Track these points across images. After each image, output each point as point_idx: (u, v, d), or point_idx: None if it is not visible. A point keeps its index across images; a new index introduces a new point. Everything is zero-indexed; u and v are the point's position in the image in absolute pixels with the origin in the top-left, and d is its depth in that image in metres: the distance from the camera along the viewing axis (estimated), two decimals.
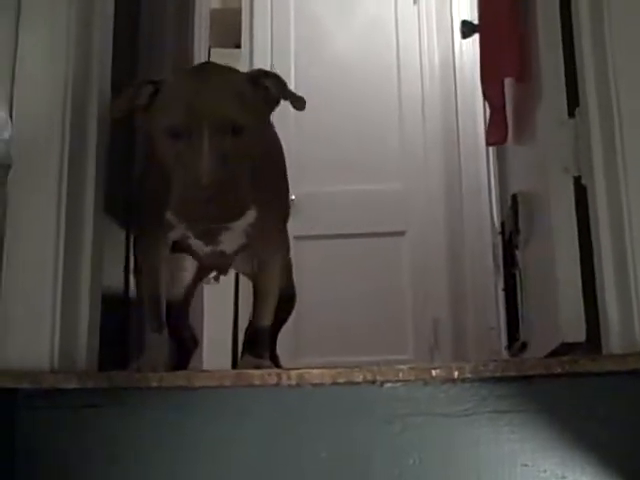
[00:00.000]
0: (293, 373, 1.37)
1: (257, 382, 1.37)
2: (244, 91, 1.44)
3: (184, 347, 1.94)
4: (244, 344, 1.72)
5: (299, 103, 1.48)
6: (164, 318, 1.65)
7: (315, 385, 1.37)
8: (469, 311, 3.71)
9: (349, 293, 3.77)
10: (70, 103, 1.51)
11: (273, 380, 1.36)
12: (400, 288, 3.82)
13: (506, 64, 2.10)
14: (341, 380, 1.36)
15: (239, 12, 4.01)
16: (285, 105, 1.52)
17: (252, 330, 1.70)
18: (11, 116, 1.46)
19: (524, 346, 2.11)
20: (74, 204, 1.51)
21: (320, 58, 4.04)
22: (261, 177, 1.53)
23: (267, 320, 1.70)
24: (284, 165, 1.74)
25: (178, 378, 1.39)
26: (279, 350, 2.14)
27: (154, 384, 1.37)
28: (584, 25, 1.58)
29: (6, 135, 1.39)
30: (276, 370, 1.43)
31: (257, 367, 1.54)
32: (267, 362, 1.64)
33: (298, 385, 1.37)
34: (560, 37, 1.79)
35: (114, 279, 2.06)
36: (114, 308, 2.01)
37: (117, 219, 1.96)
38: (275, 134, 1.71)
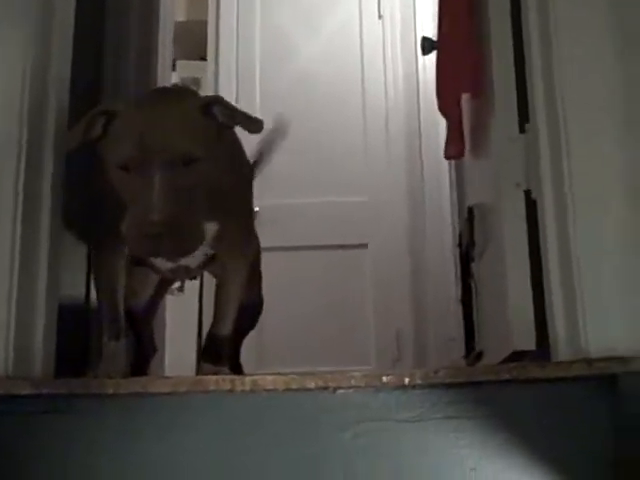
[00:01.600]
0: (247, 379, 1.39)
1: (212, 388, 1.39)
2: (194, 121, 1.43)
3: (143, 355, 1.95)
4: (202, 351, 1.73)
5: (254, 126, 1.48)
6: (122, 326, 1.66)
7: (268, 391, 1.39)
8: (431, 322, 3.75)
9: (312, 304, 3.79)
10: (27, 118, 1.51)
11: (227, 386, 1.38)
12: (363, 300, 3.85)
13: (462, 80, 2.15)
14: (294, 386, 1.39)
15: (205, 24, 4.03)
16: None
17: (211, 338, 1.71)
18: None
19: (480, 355, 2.15)
20: (30, 215, 1.52)
21: (285, 70, 4.07)
22: (221, 191, 1.54)
23: (226, 329, 1.71)
24: (249, 173, 1.76)
25: (134, 384, 1.40)
26: (242, 359, 2.16)
27: (110, 391, 1.38)
28: (534, 43, 1.63)
29: None
30: (230, 376, 1.45)
31: (215, 373, 1.56)
32: (225, 369, 1.66)
33: (252, 391, 1.39)
34: (512, 55, 1.84)
35: (75, 289, 2.07)
36: (74, 316, 2.02)
37: (76, 231, 1.97)
38: (236, 142, 1.70)
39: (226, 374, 1.61)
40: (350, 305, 3.83)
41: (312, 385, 1.39)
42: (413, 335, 3.81)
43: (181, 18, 3.99)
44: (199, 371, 1.69)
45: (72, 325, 1.93)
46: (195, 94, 1.68)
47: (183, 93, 1.64)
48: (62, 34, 1.69)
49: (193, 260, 1.67)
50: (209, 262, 1.74)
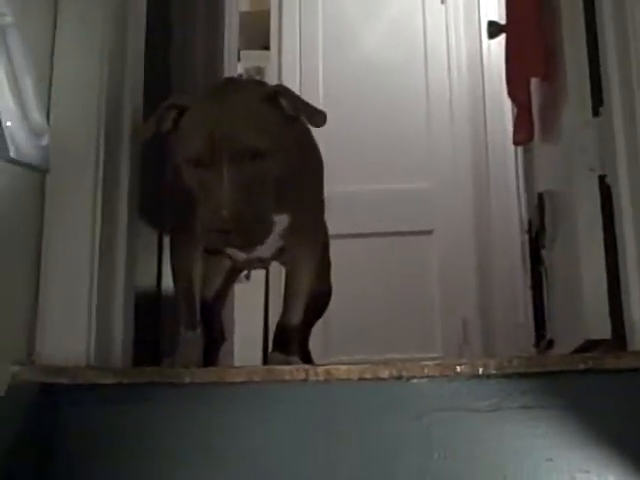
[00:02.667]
0: (321, 369, 1.40)
1: (286, 377, 1.41)
2: (261, 113, 1.45)
3: (213, 343, 1.98)
4: (273, 341, 1.75)
5: (317, 119, 1.49)
6: (198, 317, 1.69)
7: (342, 381, 1.40)
8: (497, 309, 3.71)
9: (378, 291, 3.79)
10: (105, 109, 1.56)
11: (301, 376, 1.40)
12: (429, 286, 3.84)
13: (532, 64, 2.11)
14: (368, 376, 1.39)
15: (267, 14, 4.05)
16: (312, 102, 1.53)
17: (281, 328, 1.72)
18: (48, 122, 1.51)
19: (551, 343, 2.13)
20: (109, 207, 1.56)
21: (348, 58, 4.06)
22: (292, 182, 1.55)
23: (296, 318, 1.72)
24: (319, 164, 1.75)
25: (210, 374, 1.43)
26: (310, 348, 2.17)
27: (187, 380, 1.41)
28: (607, 25, 1.59)
29: (44, 141, 1.44)
30: (304, 366, 1.46)
31: (285, 363, 1.58)
32: (295, 359, 1.67)
33: (326, 381, 1.40)
34: (584, 37, 1.80)
35: (147, 278, 2.12)
36: (147, 306, 2.07)
37: (150, 220, 2.02)
38: (305, 131, 1.70)
39: (295, 363, 1.62)
40: (416, 292, 3.82)
41: (386, 374, 1.39)
42: (479, 321, 3.78)
43: (244, 8, 4.01)
44: (269, 361, 1.71)
45: (145, 315, 1.98)
46: (260, 85, 1.69)
47: (249, 85, 1.66)
48: (136, 27, 1.73)
49: (266, 250, 1.69)
50: (281, 252, 1.75)
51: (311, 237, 1.76)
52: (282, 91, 1.50)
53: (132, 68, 1.67)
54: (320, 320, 2.19)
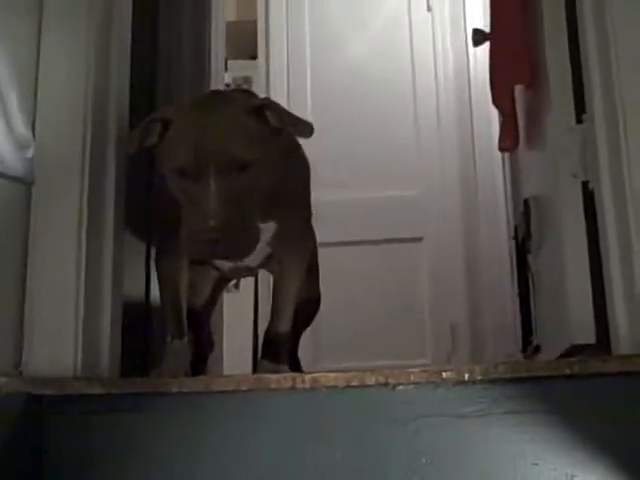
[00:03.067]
0: (307, 377, 1.41)
1: (273, 386, 1.41)
2: (248, 125, 1.45)
3: (201, 352, 1.99)
4: (262, 350, 1.75)
5: (304, 129, 1.50)
6: (185, 325, 1.70)
7: (329, 388, 1.41)
8: (486, 315, 3.73)
9: (367, 299, 3.80)
10: (90, 120, 1.57)
11: (288, 384, 1.40)
12: (418, 293, 3.85)
13: (516, 71, 2.13)
14: (354, 383, 1.40)
15: (254, 24, 4.06)
16: (301, 110, 1.54)
17: (270, 336, 1.73)
18: (34, 135, 1.51)
19: (538, 349, 2.14)
20: (95, 218, 1.57)
21: (336, 67, 4.08)
22: (279, 191, 1.56)
23: (284, 326, 1.73)
24: (306, 173, 1.76)
25: (197, 383, 1.43)
26: (299, 354, 2.18)
27: (174, 389, 1.41)
28: (589, 32, 1.61)
29: (29, 154, 1.45)
30: (291, 374, 1.47)
31: (274, 372, 1.58)
32: (284, 367, 1.67)
33: (313, 388, 1.41)
34: (567, 44, 1.82)
35: (135, 289, 2.12)
36: (135, 317, 2.07)
37: (138, 230, 2.02)
38: (292, 140, 1.70)
39: (284, 371, 1.63)
40: (405, 299, 3.83)
41: (372, 382, 1.40)
42: (468, 327, 3.79)
43: (231, 18, 4.02)
44: (258, 369, 1.71)
45: (134, 324, 1.98)
46: (246, 97, 1.70)
47: (235, 97, 1.65)
48: (121, 38, 1.74)
49: (254, 259, 1.69)
50: (268, 260, 1.76)
51: (298, 244, 1.76)
52: (268, 104, 1.50)
53: (117, 79, 1.68)
54: (310, 327, 2.20)
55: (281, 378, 1.42)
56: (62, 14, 1.61)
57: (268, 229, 1.60)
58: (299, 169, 1.75)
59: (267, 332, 1.74)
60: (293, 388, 1.41)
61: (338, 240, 3.81)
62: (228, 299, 3.01)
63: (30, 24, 1.57)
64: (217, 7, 3.06)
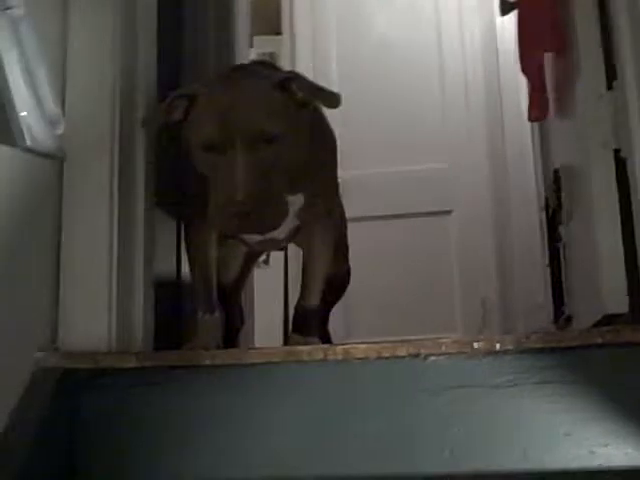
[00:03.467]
0: (339, 348, 1.42)
1: (305, 358, 1.42)
2: (273, 99, 1.45)
3: (233, 327, 2.00)
4: (293, 323, 1.76)
5: (331, 101, 1.50)
6: (215, 300, 1.71)
7: (361, 360, 1.42)
8: (517, 288, 3.70)
9: (397, 273, 3.79)
10: (119, 96, 1.57)
11: (320, 355, 1.41)
12: (448, 267, 3.83)
13: (545, 39, 2.10)
14: (386, 354, 1.41)
15: None
16: (326, 86, 1.53)
17: (300, 310, 1.74)
18: (63, 112, 1.53)
19: (569, 320, 2.12)
20: (126, 193, 1.58)
21: (361, 39, 4.05)
22: (305, 164, 1.55)
23: (315, 300, 1.73)
24: (332, 146, 1.75)
25: (229, 355, 1.45)
26: (329, 328, 2.19)
27: (206, 362, 1.43)
28: None
29: (60, 130, 1.46)
30: (322, 346, 1.48)
31: (304, 344, 1.58)
32: (314, 339, 1.68)
33: (344, 360, 1.42)
34: (596, 10, 1.79)
35: (167, 263, 2.14)
36: (167, 292, 2.09)
37: (169, 205, 2.03)
38: (318, 113, 1.69)
39: (315, 344, 1.63)
40: (435, 272, 3.82)
41: (404, 353, 1.40)
42: (499, 301, 3.77)
43: None
44: (289, 342, 1.72)
45: (165, 300, 2.00)
46: (272, 69, 1.69)
47: (260, 71, 1.65)
48: (147, 15, 1.75)
49: (281, 232, 1.69)
50: (296, 233, 1.76)
51: (327, 217, 1.76)
52: (293, 77, 1.50)
53: (144, 55, 1.69)
54: (341, 302, 2.21)
55: (312, 350, 1.43)
56: None
57: (296, 201, 1.60)
58: (325, 141, 1.75)
59: (297, 306, 1.75)
60: (325, 360, 1.42)
61: (366, 214, 3.80)
62: (259, 274, 3.03)
63: (58, 3, 1.58)
64: None
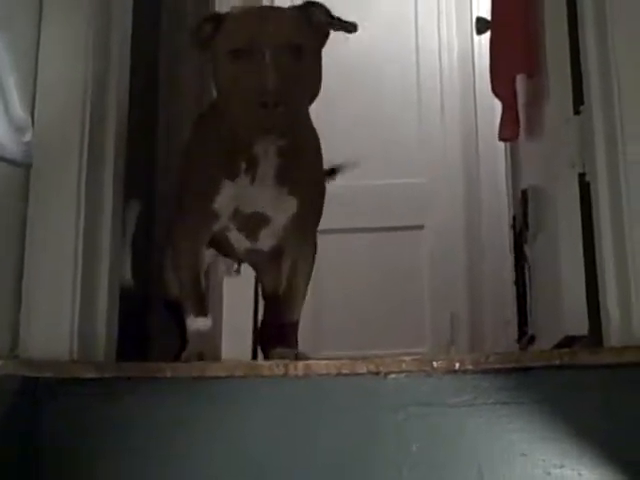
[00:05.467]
0: (300, 364, 1.43)
1: (266, 372, 1.43)
2: (298, 18, 1.54)
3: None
4: (274, 337, 1.75)
5: (348, 26, 1.60)
6: (207, 304, 1.68)
7: (321, 376, 1.42)
8: (487, 304, 3.73)
9: (368, 287, 3.80)
10: (89, 104, 1.57)
11: (281, 371, 1.42)
12: (418, 282, 3.85)
13: (517, 60, 2.13)
14: (346, 371, 1.41)
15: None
16: None
17: (282, 324, 1.73)
18: (33, 118, 1.53)
19: (532, 339, 2.15)
20: (93, 202, 1.58)
21: (340, 52, 4.04)
22: (304, 171, 1.60)
23: (297, 314, 1.75)
24: (322, 162, 1.76)
25: (191, 368, 1.45)
26: (299, 342, 2.18)
27: (168, 374, 1.43)
28: (588, 23, 1.61)
29: (27, 137, 1.46)
30: (283, 361, 1.48)
31: (292, 355, 1.59)
32: (301, 352, 1.66)
33: (305, 375, 1.42)
34: (567, 35, 1.82)
35: (136, 274, 2.14)
36: (135, 302, 2.08)
37: (140, 216, 2.04)
38: (314, 133, 1.72)
39: (303, 356, 1.62)
40: (406, 286, 3.83)
41: (364, 370, 1.41)
42: (468, 317, 3.79)
43: (236, 2, 4.01)
44: (273, 355, 1.68)
45: (132, 310, 2.00)
46: None
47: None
48: (121, 20, 1.75)
49: (267, 242, 1.70)
50: (279, 249, 1.75)
51: (313, 235, 1.77)
52: (315, 3, 1.58)
53: (118, 63, 1.69)
54: (311, 315, 2.20)
55: (274, 365, 1.44)
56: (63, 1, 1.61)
57: (290, 206, 1.63)
58: (319, 154, 1.74)
59: (279, 322, 1.75)
60: (286, 375, 1.42)
61: (339, 227, 3.81)
62: (228, 284, 3.03)
63: (31, 8, 1.58)
64: (221, 5, 3.05)
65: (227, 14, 1.58)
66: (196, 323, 1.63)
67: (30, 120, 1.50)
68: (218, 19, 1.56)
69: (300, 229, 1.70)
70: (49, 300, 1.51)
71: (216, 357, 1.57)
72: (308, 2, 1.57)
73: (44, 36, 1.57)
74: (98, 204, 1.60)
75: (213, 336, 1.68)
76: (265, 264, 1.90)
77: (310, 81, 1.52)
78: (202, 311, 1.65)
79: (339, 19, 1.58)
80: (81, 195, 1.55)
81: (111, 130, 1.63)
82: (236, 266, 2.92)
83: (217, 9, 2.82)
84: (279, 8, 1.65)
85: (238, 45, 1.48)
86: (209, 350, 1.57)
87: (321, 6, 1.58)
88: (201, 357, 1.53)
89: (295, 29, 1.52)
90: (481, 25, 2.53)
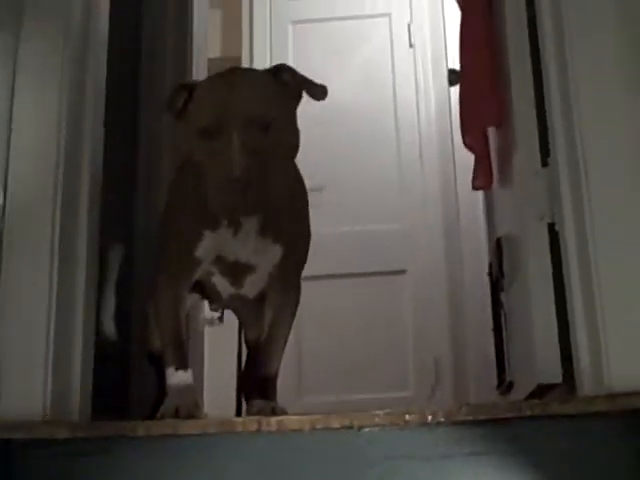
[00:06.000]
0: (273, 420, 1.43)
1: (239, 429, 1.43)
2: (268, 87, 1.53)
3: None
4: (254, 390, 1.74)
5: (318, 92, 1.59)
6: (187, 357, 1.66)
7: (295, 431, 1.43)
8: (470, 349, 3.74)
9: (350, 332, 3.81)
10: (62, 168, 1.59)
11: (254, 427, 1.42)
12: (401, 326, 3.86)
13: (485, 113, 2.17)
14: (319, 426, 1.42)
15: (239, 60, 4.12)
16: None
17: (263, 376, 1.73)
18: (6, 183, 1.54)
19: (511, 385, 2.16)
20: (66, 262, 1.59)
21: (319, 104, 4.08)
22: (288, 220, 1.61)
23: (276, 367, 1.76)
24: (307, 208, 1.77)
25: (164, 426, 1.44)
26: (283, 390, 2.18)
27: (141, 433, 1.43)
28: (552, 79, 1.65)
29: None
30: (257, 417, 1.49)
31: (270, 408, 1.60)
32: (278, 405, 1.67)
33: (278, 431, 1.43)
34: (532, 88, 1.86)
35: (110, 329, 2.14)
36: (114, 357, 2.08)
37: (118, 269, 2.05)
38: (299, 176, 1.74)
39: (282, 409, 1.63)
40: (389, 331, 3.84)
41: (337, 424, 1.42)
42: (452, 361, 3.80)
43: (216, 54, 4.08)
44: (251, 407, 1.69)
45: (111, 364, 2.00)
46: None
47: (254, 68, 1.77)
48: (95, 85, 1.77)
49: (252, 288, 1.71)
50: (262, 295, 1.76)
51: (296, 284, 1.77)
52: (283, 66, 1.58)
53: (91, 126, 1.71)
54: (294, 359, 2.20)
55: (247, 421, 1.44)
56: (37, 61, 1.64)
57: (275, 254, 1.63)
58: (304, 199, 1.76)
59: (259, 376, 1.74)
60: (259, 431, 1.42)
61: (321, 273, 3.82)
62: (210, 334, 3.03)
63: (4, 73, 1.60)
64: (199, 44, 3.11)
65: (198, 83, 1.57)
66: (176, 377, 1.61)
67: (2, 183, 1.52)
68: (190, 88, 1.56)
69: (284, 276, 1.70)
70: (22, 360, 1.51)
71: (195, 412, 1.54)
72: (278, 66, 1.58)
73: (17, 102, 1.59)
74: (73, 263, 1.61)
75: (193, 390, 1.63)
76: (249, 311, 1.91)
77: (286, 145, 1.53)
78: (182, 364, 1.63)
79: (311, 83, 1.58)
80: (54, 256, 1.56)
81: (85, 194, 1.65)
82: (219, 314, 2.92)
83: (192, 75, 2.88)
84: (249, 74, 1.64)
85: (205, 124, 1.48)
86: (188, 405, 1.54)
87: (292, 70, 1.58)
88: (177, 413, 1.51)
89: (264, 102, 1.50)
90: (453, 77, 2.58)
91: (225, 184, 1.42)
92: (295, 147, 1.58)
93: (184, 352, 1.65)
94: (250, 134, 1.45)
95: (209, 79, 1.62)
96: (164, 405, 1.57)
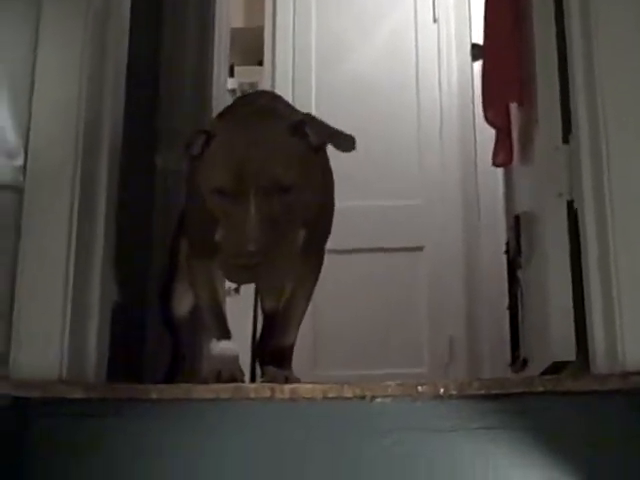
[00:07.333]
0: (286, 387, 1.44)
1: (252, 395, 1.44)
2: (289, 145, 1.44)
3: (179, 360, 2.00)
4: (269, 358, 1.76)
5: (345, 145, 1.49)
6: (228, 326, 1.69)
7: (307, 399, 1.44)
8: (484, 327, 3.73)
9: (366, 307, 3.81)
10: (83, 129, 1.59)
11: (267, 394, 1.43)
12: (417, 303, 3.86)
13: (508, 89, 2.15)
14: (332, 395, 1.42)
15: (261, 30, 4.10)
16: None
17: (278, 346, 1.75)
18: (27, 143, 1.55)
19: (525, 363, 2.16)
20: (85, 225, 1.60)
21: (341, 75, 4.10)
22: (311, 200, 1.57)
23: (293, 338, 1.77)
24: (332, 187, 1.77)
25: (177, 390, 1.46)
26: (298, 362, 2.19)
27: (154, 396, 1.44)
28: (576, 55, 1.63)
29: (19, 161, 1.48)
30: (270, 384, 1.50)
31: (283, 377, 1.61)
32: (292, 375, 1.69)
33: (291, 399, 1.44)
34: (556, 65, 1.84)
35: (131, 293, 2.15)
36: (130, 323, 2.10)
37: (136, 235, 2.06)
38: (326, 157, 1.70)
39: (295, 378, 1.65)
40: (404, 308, 3.84)
41: (350, 394, 1.42)
42: (466, 339, 3.80)
43: (239, 24, 4.06)
44: (266, 374, 1.71)
45: (128, 331, 2.01)
46: (283, 104, 1.69)
47: (276, 111, 1.60)
48: (117, 45, 1.76)
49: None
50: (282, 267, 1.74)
51: (318, 258, 1.77)
52: (308, 121, 1.49)
53: (112, 88, 1.71)
54: (310, 334, 2.21)
55: (260, 388, 1.45)
56: (59, 23, 1.64)
57: (297, 239, 1.63)
58: (330, 181, 1.77)
59: (276, 342, 1.77)
60: (272, 398, 1.43)
61: (339, 248, 3.81)
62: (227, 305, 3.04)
63: (27, 33, 1.60)
64: (221, 14, 3.10)
65: (217, 129, 1.48)
66: (219, 347, 1.64)
67: (22, 144, 1.52)
68: (207, 135, 1.48)
69: (306, 252, 1.70)
70: (40, 320, 1.52)
71: (238, 375, 1.59)
72: (303, 120, 1.48)
73: (39, 62, 1.59)
74: (91, 227, 1.62)
75: (236, 358, 1.66)
76: (268, 281, 1.90)
77: (308, 204, 1.47)
78: (225, 334, 1.66)
79: (337, 135, 1.49)
80: (73, 217, 1.56)
81: (105, 154, 1.65)
82: (235, 285, 2.94)
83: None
84: (270, 129, 1.46)
85: (222, 184, 1.42)
86: (230, 370, 1.58)
87: (316, 122, 1.49)
88: (219, 378, 1.54)
89: (284, 163, 1.42)
90: (476, 52, 2.55)
91: (238, 256, 1.39)
92: (320, 204, 1.55)
93: (225, 323, 1.68)
94: (268, 199, 1.40)
95: (227, 127, 1.49)
96: (206, 370, 1.60)
